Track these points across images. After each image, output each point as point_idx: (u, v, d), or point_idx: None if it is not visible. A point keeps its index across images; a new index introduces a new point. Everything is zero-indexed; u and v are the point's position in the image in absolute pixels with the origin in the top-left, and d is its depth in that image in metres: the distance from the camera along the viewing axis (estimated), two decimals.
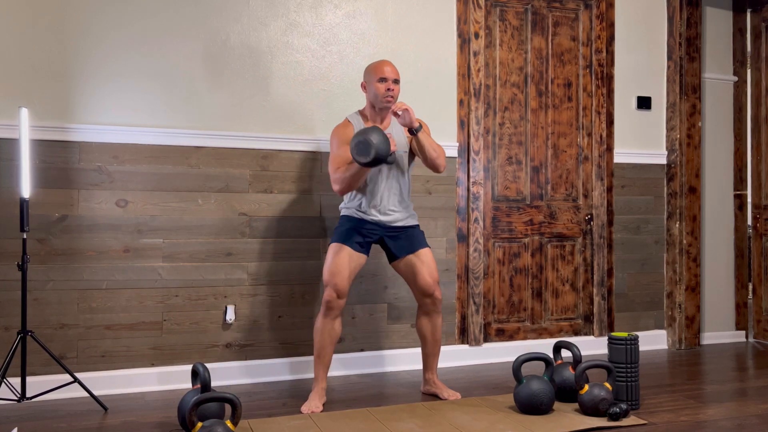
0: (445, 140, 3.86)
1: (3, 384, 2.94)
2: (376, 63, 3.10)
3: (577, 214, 4.22)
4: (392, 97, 3.06)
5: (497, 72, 4.05)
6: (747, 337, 4.61)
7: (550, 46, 4.16)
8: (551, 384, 2.93)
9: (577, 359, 3.00)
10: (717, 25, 4.54)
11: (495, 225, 4.03)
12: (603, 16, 4.25)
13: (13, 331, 3.15)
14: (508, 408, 3.00)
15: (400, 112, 2.96)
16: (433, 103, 3.86)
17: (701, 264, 4.45)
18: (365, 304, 3.72)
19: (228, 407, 3.02)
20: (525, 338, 4.08)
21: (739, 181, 4.60)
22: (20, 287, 3.08)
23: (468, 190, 3.94)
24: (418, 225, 3.21)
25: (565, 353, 4.11)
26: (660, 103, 4.43)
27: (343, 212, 3.17)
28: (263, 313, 3.55)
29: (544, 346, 4.08)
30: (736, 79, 4.57)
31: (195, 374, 2.71)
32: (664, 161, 4.42)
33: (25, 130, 2.89)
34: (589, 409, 2.85)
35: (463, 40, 3.94)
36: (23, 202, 2.88)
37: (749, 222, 4.73)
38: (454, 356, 3.87)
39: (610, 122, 4.27)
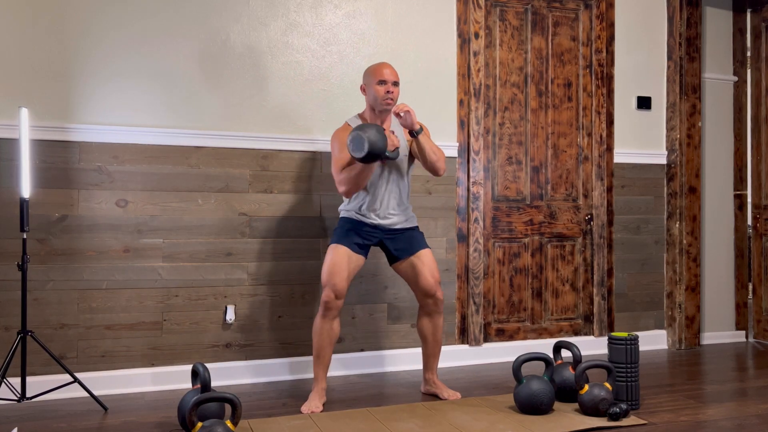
0: (445, 140, 3.86)
1: (3, 384, 2.94)
2: (375, 65, 3.10)
3: (577, 214, 4.22)
4: (392, 99, 3.05)
5: (497, 72, 4.05)
6: (747, 337, 4.61)
7: (550, 46, 4.16)
8: (551, 384, 2.93)
9: (577, 359, 3.00)
10: (717, 25, 4.54)
11: (495, 225, 4.03)
12: (603, 16, 4.25)
13: (13, 331, 3.15)
14: (508, 408, 3.00)
15: (402, 114, 2.96)
16: (433, 103, 3.86)
17: (701, 264, 4.45)
18: (365, 304, 3.72)
19: (228, 407, 3.02)
20: (525, 338, 4.08)
21: (739, 181, 4.60)
22: (20, 287, 3.08)
23: (468, 190, 3.94)
24: (417, 227, 3.21)
25: (565, 353, 4.11)
26: (660, 103, 4.43)
27: (342, 214, 3.17)
28: (263, 313, 3.55)
29: (544, 346, 4.08)
30: (736, 79, 4.57)
31: (195, 374, 2.71)
32: (664, 161, 4.42)
33: (25, 130, 2.89)
34: (589, 409, 2.85)
35: (463, 40, 3.94)
36: (23, 202, 2.89)
37: (749, 222, 4.73)
38: (454, 356, 3.87)
39: (610, 122, 4.27)
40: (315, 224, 3.64)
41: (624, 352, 3.01)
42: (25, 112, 2.89)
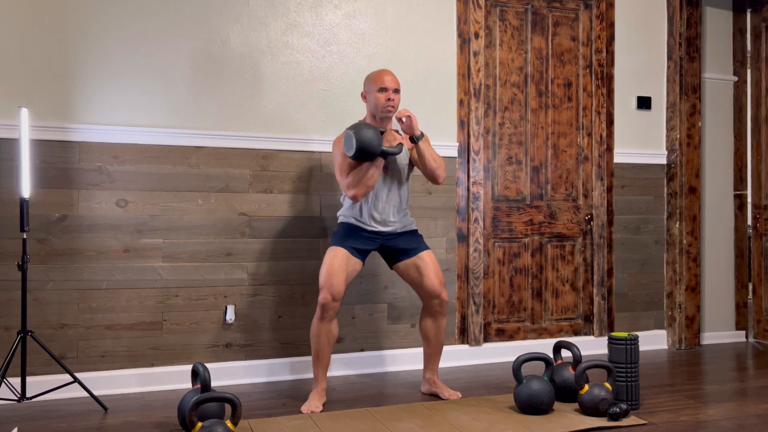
0: (445, 140, 3.87)
1: (3, 384, 2.94)
2: (375, 72, 3.09)
3: (577, 214, 4.22)
4: (393, 107, 3.06)
5: (497, 72, 4.05)
6: (747, 337, 4.61)
7: (550, 46, 4.16)
8: (551, 384, 2.93)
9: (577, 359, 3.00)
10: (717, 25, 4.54)
11: (495, 225, 4.03)
12: (603, 16, 4.25)
13: (13, 331, 3.15)
14: (508, 408, 3.00)
15: (404, 119, 2.97)
16: (433, 103, 3.86)
17: (701, 264, 4.45)
18: (365, 304, 3.72)
19: (228, 407, 3.02)
20: (525, 338, 4.08)
21: (739, 181, 4.60)
22: (20, 287, 3.08)
23: (468, 190, 3.94)
24: (416, 230, 3.21)
25: (565, 353, 4.11)
26: (660, 103, 4.43)
27: (340, 219, 3.17)
28: (263, 313, 3.55)
29: (544, 346, 4.08)
30: (736, 79, 4.57)
31: (195, 374, 2.71)
32: (664, 161, 4.42)
33: (25, 130, 2.89)
34: (589, 409, 2.85)
35: (463, 40, 3.94)
36: (23, 202, 2.88)
37: (749, 222, 4.73)
38: (454, 356, 3.87)
39: (610, 122, 4.27)
40: (315, 224, 3.64)
41: (624, 352, 3.01)
42: (25, 112, 2.89)
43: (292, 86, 3.60)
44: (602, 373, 3.63)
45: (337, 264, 3.00)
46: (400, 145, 2.97)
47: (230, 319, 3.46)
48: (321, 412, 2.95)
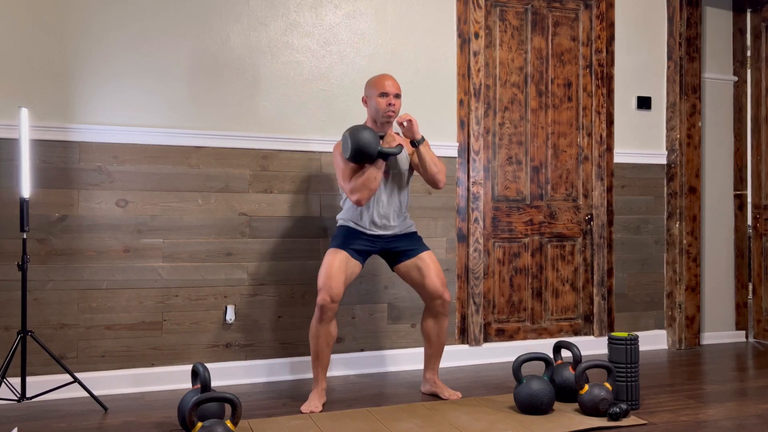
0: (445, 140, 3.87)
1: (3, 384, 2.94)
2: (376, 77, 3.09)
3: (577, 214, 4.22)
4: (393, 111, 3.06)
5: (497, 72, 4.05)
6: (747, 337, 4.61)
7: (550, 46, 4.16)
8: (551, 384, 2.93)
9: (577, 359, 3.00)
10: (717, 25, 4.54)
11: (495, 225, 4.03)
12: (603, 16, 4.25)
13: (13, 331, 3.15)
14: (508, 408, 3.00)
15: (405, 123, 2.97)
16: (433, 103, 3.86)
17: (701, 264, 4.45)
18: (365, 304, 3.72)
19: (228, 407, 3.03)
20: (525, 338, 4.08)
21: (739, 181, 4.60)
22: (20, 287, 3.08)
23: (468, 190, 3.94)
24: (415, 232, 3.21)
25: (565, 353, 4.11)
26: (660, 103, 4.43)
27: (340, 222, 3.17)
28: (263, 313, 3.55)
29: (544, 346, 4.08)
30: (736, 79, 4.57)
31: (195, 374, 2.71)
32: (664, 161, 4.42)
33: (25, 130, 2.89)
34: (589, 409, 2.85)
35: (463, 40, 3.94)
36: (23, 202, 2.88)
37: (749, 222, 4.73)
38: (454, 356, 3.87)
39: (610, 122, 4.27)
40: (315, 224, 3.64)
41: (624, 352, 3.01)
42: (25, 112, 2.89)
43: (292, 86, 3.60)
44: (602, 373, 3.63)
45: (336, 266, 2.99)
46: (400, 145, 2.97)
47: (230, 319, 3.46)
48: (321, 412, 2.96)
